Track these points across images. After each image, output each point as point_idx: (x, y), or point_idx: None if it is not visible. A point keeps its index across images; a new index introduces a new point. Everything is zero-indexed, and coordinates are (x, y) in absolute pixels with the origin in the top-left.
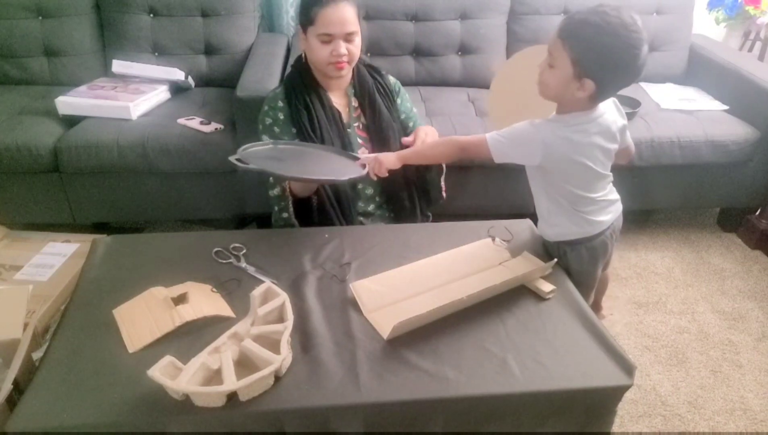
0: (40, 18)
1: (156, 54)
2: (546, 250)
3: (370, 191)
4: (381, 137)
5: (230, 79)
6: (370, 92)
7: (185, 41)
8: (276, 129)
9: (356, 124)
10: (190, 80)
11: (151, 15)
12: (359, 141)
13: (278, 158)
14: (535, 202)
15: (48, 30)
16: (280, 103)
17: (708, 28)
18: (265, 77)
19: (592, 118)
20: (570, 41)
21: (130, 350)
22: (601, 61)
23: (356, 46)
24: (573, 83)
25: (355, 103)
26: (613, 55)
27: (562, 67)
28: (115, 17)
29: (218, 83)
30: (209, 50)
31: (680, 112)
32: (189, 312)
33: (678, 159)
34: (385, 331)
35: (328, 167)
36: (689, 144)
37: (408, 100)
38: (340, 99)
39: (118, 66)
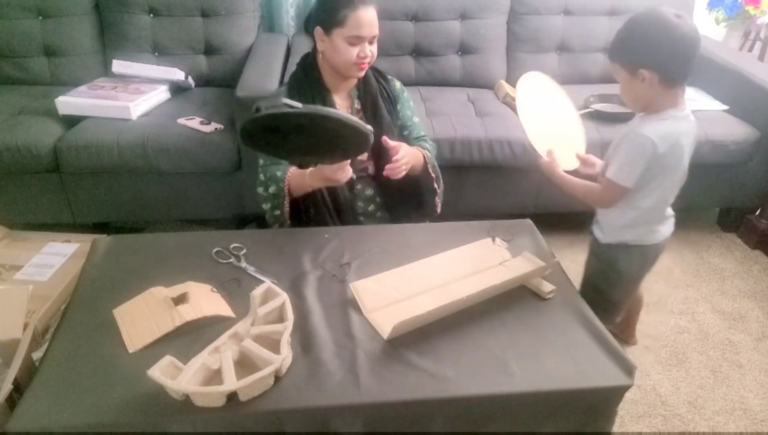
0: (40, 18)
1: (156, 54)
2: (594, 249)
3: (369, 192)
4: (378, 142)
5: (230, 79)
6: (373, 96)
7: (185, 41)
8: None
9: None
10: (190, 80)
11: (151, 15)
12: None
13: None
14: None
15: (48, 30)
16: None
17: (708, 28)
18: (265, 77)
19: (682, 114)
20: (610, 53)
21: (130, 350)
22: (636, 45)
23: (376, 48)
24: (635, 82)
25: (357, 105)
26: (644, 35)
27: (620, 75)
28: (115, 17)
29: (218, 83)
30: (209, 50)
31: None
32: (189, 312)
33: None
34: (385, 331)
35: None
36: None
37: (410, 108)
38: (343, 100)
39: (118, 66)
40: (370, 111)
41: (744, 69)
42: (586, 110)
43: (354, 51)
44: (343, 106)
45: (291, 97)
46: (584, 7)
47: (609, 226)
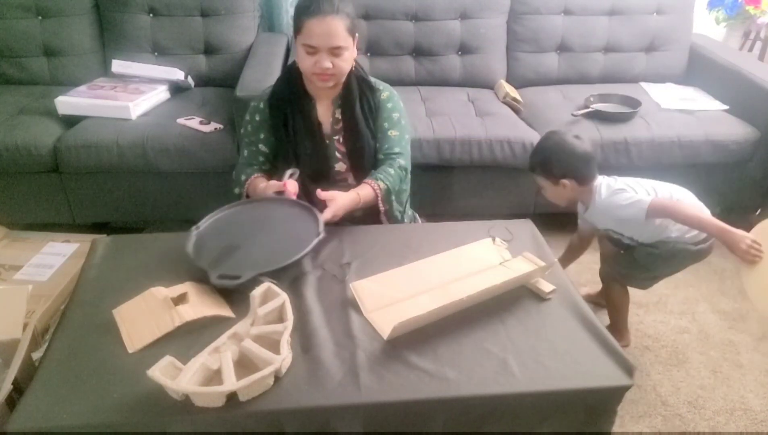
0: (40, 18)
1: (156, 54)
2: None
3: None
4: (356, 154)
5: (230, 79)
6: (351, 107)
7: (185, 41)
8: (249, 127)
9: (336, 138)
10: (190, 80)
11: (151, 15)
12: (337, 155)
13: (236, 222)
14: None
15: (48, 30)
16: (262, 106)
17: (708, 28)
18: (264, 77)
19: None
20: (532, 169)
21: (130, 350)
22: (554, 165)
23: (344, 60)
24: (559, 188)
25: (338, 114)
26: (558, 157)
27: (544, 184)
28: (115, 17)
29: (218, 83)
30: (209, 50)
31: (680, 112)
32: (189, 312)
33: (678, 159)
34: (385, 331)
35: (288, 230)
36: (689, 144)
37: (389, 120)
38: (326, 109)
39: (117, 66)
40: (347, 122)
41: (744, 69)
42: (586, 110)
43: (311, 60)
44: (325, 116)
45: (271, 102)
46: (584, 7)
47: (660, 234)
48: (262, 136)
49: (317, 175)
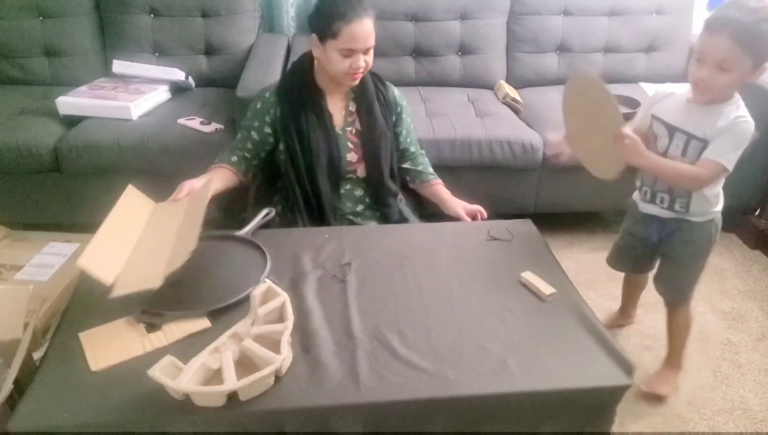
0: (41, 18)
1: (156, 54)
2: (689, 234)
3: (359, 192)
4: (373, 145)
5: (230, 79)
6: (369, 100)
7: (185, 41)
8: (249, 113)
9: (349, 129)
10: (191, 80)
11: (152, 15)
12: (349, 145)
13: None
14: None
15: (48, 30)
16: (267, 95)
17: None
18: (265, 77)
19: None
20: (750, 42)
21: (93, 368)
22: None
23: (371, 57)
24: (752, 74)
25: (352, 107)
26: None
27: (740, 66)
28: (116, 17)
29: (218, 83)
30: (209, 50)
31: None
32: (161, 338)
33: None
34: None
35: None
36: None
37: (410, 116)
38: (337, 102)
39: (118, 66)
40: (364, 114)
41: None
42: None
43: (347, 62)
44: (337, 108)
45: (280, 94)
46: (584, 7)
47: (703, 206)
48: (256, 123)
49: (328, 167)
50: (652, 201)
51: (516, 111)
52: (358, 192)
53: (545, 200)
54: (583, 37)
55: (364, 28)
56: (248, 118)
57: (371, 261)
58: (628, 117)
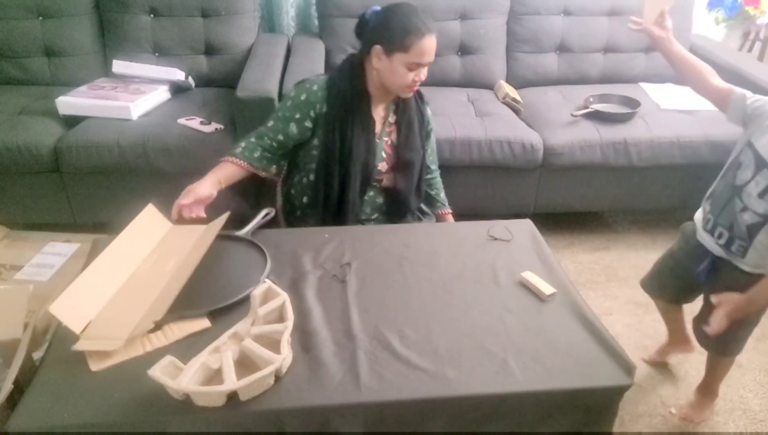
0: (41, 18)
1: (156, 54)
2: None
3: (380, 200)
4: (406, 160)
5: (230, 80)
6: (410, 117)
7: (185, 41)
8: (289, 103)
9: (385, 139)
10: (191, 80)
11: (152, 15)
12: (383, 154)
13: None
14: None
15: (48, 30)
16: (315, 88)
17: (708, 28)
18: (265, 77)
19: None
20: None
21: (93, 369)
22: None
23: (426, 72)
24: None
25: (392, 118)
26: None
27: None
28: (116, 17)
29: (218, 83)
30: (209, 50)
31: (680, 112)
32: (161, 338)
33: (678, 159)
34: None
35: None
36: (689, 144)
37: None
38: (380, 111)
39: (118, 66)
40: (404, 129)
41: (744, 69)
42: (586, 110)
43: (410, 75)
44: (378, 117)
45: (329, 91)
46: (584, 7)
47: (764, 256)
48: (298, 115)
49: (361, 173)
50: (711, 232)
51: (516, 111)
52: (379, 199)
53: (545, 200)
54: (583, 37)
55: (433, 44)
56: (289, 108)
57: (371, 261)
58: (627, 117)
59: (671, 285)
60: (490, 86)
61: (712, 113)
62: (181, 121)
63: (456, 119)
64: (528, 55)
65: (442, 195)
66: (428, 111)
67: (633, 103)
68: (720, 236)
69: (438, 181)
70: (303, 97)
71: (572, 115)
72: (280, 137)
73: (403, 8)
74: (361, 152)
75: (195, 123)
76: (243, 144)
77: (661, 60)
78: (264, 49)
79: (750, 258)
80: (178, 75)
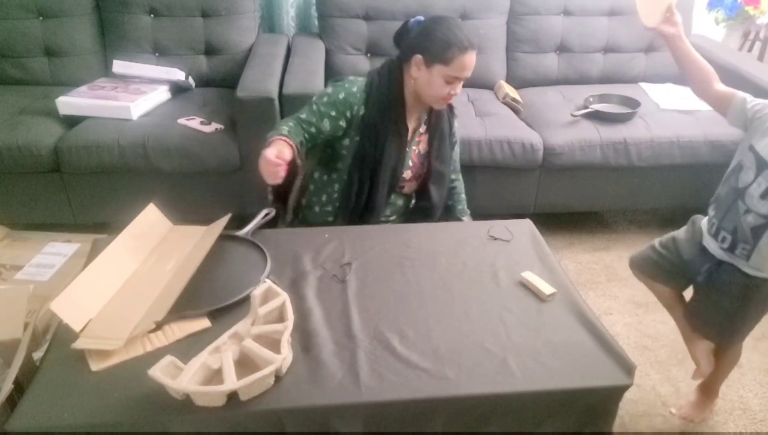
0: (41, 18)
1: (156, 54)
2: (747, 285)
3: (400, 203)
4: (438, 171)
5: (230, 80)
6: (442, 129)
7: (185, 41)
8: (326, 99)
9: (414, 148)
10: (191, 80)
11: (152, 15)
12: (410, 163)
13: None
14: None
15: (48, 30)
16: (355, 90)
17: (708, 28)
18: (265, 78)
19: None
20: None
21: (93, 369)
22: None
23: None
24: None
25: (422, 129)
26: None
27: None
28: (116, 17)
29: (218, 83)
30: (209, 50)
31: (680, 112)
32: (161, 338)
33: (677, 159)
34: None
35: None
36: (689, 144)
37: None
38: (413, 120)
39: (118, 66)
40: (436, 141)
41: (743, 69)
42: (586, 110)
43: (447, 88)
44: (410, 126)
45: (368, 94)
46: (584, 7)
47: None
48: (333, 113)
49: (389, 178)
50: (715, 236)
51: (516, 111)
52: (399, 202)
53: (545, 200)
54: (583, 37)
55: (473, 60)
56: (325, 104)
57: (371, 261)
58: (627, 117)
59: (666, 270)
60: (490, 86)
61: (712, 113)
62: (181, 121)
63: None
64: (528, 55)
65: (462, 204)
66: (456, 123)
67: (633, 103)
68: (723, 240)
69: (458, 190)
70: (341, 96)
71: (572, 115)
72: (313, 130)
73: (447, 21)
74: (392, 159)
75: (195, 123)
76: (285, 128)
77: (661, 60)
78: (264, 49)
79: (754, 261)
80: (178, 75)
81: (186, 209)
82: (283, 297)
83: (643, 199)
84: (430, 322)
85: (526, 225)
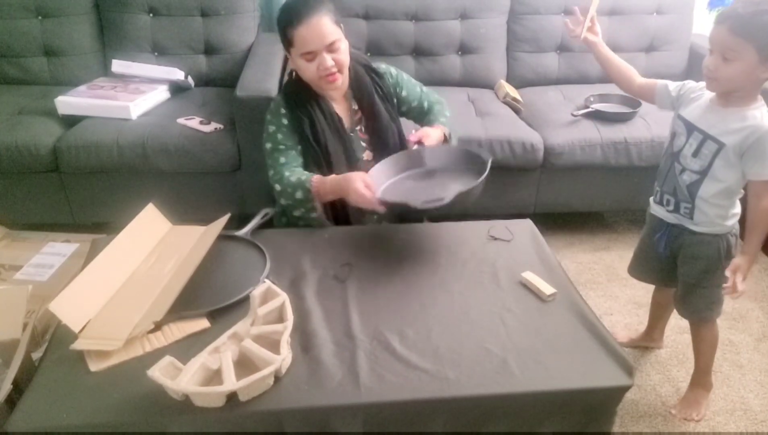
0: (40, 18)
1: (156, 54)
2: (703, 248)
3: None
4: (380, 141)
5: (230, 79)
6: (369, 95)
7: (185, 41)
8: (279, 136)
9: (358, 128)
10: (190, 80)
11: (151, 15)
12: (362, 144)
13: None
14: (708, 193)
15: (48, 30)
16: (283, 111)
17: (708, 28)
18: (264, 77)
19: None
20: (750, 32)
21: (93, 369)
22: None
23: (343, 53)
24: (760, 68)
25: (355, 106)
26: None
27: (743, 57)
28: (115, 17)
29: (218, 83)
30: (209, 50)
31: None
32: (160, 339)
33: None
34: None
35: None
36: None
37: (411, 83)
38: (341, 104)
39: (117, 66)
40: (367, 111)
41: None
42: (586, 110)
43: (313, 66)
44: (343, 110)
45: (289, 106)
46: (584, 7)
47: (707, 216)
48: (288, 138)
49: (348, 169)
50: (661, 202)
51: (516, 111)
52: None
53: (545, 200)
54: None
55: (314, 27)
56: (283, 140)
57: (371, 261)
58: (628, 116)
59: (650, 266)
60: (490, 86)
61: None
62: (181, 120)
63: (456, 119)
64: (528, 55)
65: (441, 118)
66: (387, 75)
67: (633, 103)
68: (668, 203)
69: (436, 110)
70: (284, 122)
71: (573, 115)
72: (301, 160)
73: (285, 3)
74: (339, 150)
75: (194, 122)
76: (303, 174)
77: (661, 59)
78: (264, 49)
79: (697, 218)
80: (178, 74)
81: (185, 209)
82: (283, 297)
83: (643, 199)
84: (430, 323)
85: (527, 225)
